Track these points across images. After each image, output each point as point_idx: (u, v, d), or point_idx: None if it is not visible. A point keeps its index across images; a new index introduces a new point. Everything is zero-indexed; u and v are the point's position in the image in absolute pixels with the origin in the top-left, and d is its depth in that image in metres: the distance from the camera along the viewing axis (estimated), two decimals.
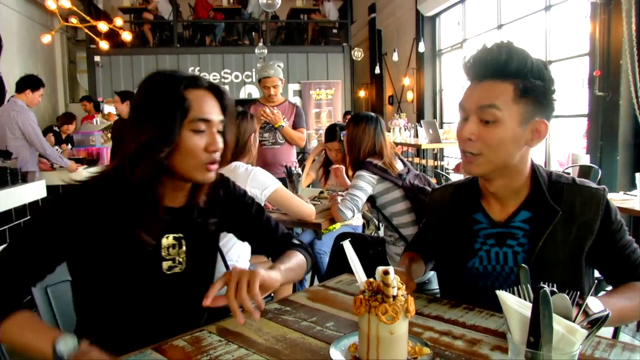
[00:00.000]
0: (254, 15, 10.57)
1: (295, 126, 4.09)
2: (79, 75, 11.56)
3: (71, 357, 0.94)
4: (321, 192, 3.19)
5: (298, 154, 4.93)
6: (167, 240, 1.19)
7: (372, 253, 2.64)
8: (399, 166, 2.59)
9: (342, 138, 3.07)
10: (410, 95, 10.28)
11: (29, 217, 1.07)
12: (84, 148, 6.25)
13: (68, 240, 1.09)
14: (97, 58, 9.51)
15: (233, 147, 1.25)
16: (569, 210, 1.17)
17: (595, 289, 1.12)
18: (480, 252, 1.26)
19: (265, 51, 7.41)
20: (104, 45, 7.39)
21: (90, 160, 5.99)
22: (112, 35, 7.66)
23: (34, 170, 4.25)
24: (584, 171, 4.65)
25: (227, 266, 1.98)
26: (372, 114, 2.70)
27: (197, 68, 9.91)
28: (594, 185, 1.22)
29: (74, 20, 6.97)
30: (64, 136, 6.58)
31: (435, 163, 7.08)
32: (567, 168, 5.14)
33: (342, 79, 10.28)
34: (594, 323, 0.72)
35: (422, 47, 8.97)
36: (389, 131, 8.01)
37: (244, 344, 1.02)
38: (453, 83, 9.15)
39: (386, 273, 0.86)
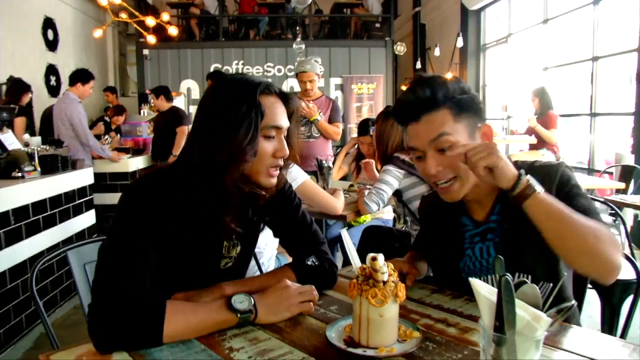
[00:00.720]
0: (297, 10, 10.68)
1: (331, 120, 4.17)
2: (129, 68, 12.01)
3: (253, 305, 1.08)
4: (351, 186, 3.26)
5: (336, 147, 5.00)
6: (229, 241, 1.28)
7: (398, 246, 2.70)
8: None
9: (371, 133, 3.13)
10: None
11: (118, 220, 1.09)
12: (131, 138, 6.55)
13: (160, 235, 1.11)
14: (145, 51, 9.84)
15: (295, 157, 1.29)
16: None
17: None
18: (467, 252, 1.34)
19: (303, 46, 7.49)
20: (151, 39, 7.67)
21: (137, 149, 6.28)
22: (160, 30, 7.94)
23: (83, 158, 4.50)
24: (626, 171, 4.52)
25: (254, 253, 2.10)
26: None
27: (241, 62, 10.12)
28: (552, 163, 1.28)
29: (123, 16, 7.29)
30: (113, 127, 6.89)
31: None
32: (609, 167, 5.01)
33: (383, 73, 10.26)
34: (560, 312, 0.77)
35: (460, 42, 8.84)
36: None
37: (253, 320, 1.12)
38: (497, 78, 8.99)
39: (374, 259, 0.94)
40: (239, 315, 1.07)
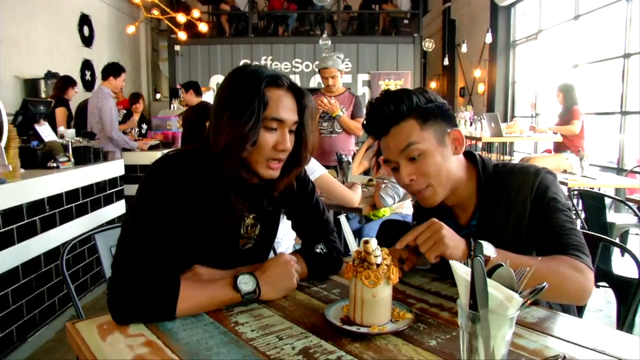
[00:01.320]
0: (326, 6, 10.75)
1: (354, 116, 4.23)
2: (160, 64, 12.30)
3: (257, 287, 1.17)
4: (370, 180, 3.33)
5: (358, 143, 5.06)
6: (248, 220, 1.34)
7: None
8: None
9: None
10: (481, 88, 10.07)
11: (139, 197, 1.19)
12: (161, 132, 6.74)
13: (179, 212, 1.18)
14: (177, 47, 10.09)
15: (308, 156, 1.31)
16: (507, 196, 1.29)
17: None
18: None
19: (329, 42, 7.57)
20: (182, 35, 7.86)
21: (166, 143, 6.47)
22: (191, 26, 8.13)
23: (114, 150, 4.68)
24: None
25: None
26: None
27: (270, 57, 10.27)
28: (530, 169, 1.31)
29: (155, 12, 7.49)
30: (136, 116, 7.01)
31: (502, 158, 6.96)
32: (638, 166, 4.93)
33: (412, 69, 10.25)
34: (533, 293, 0.83)
35: (489, 38, 8.76)
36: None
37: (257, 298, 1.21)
38: (526, 75, 8.87)
39: (366, 242, 1.01)
40: (243, 295, 1.16)
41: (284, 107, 1.20)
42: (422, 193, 1.29)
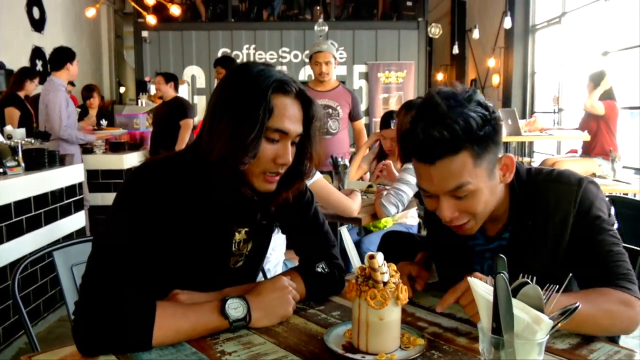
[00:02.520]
0: None
1: (353, 118, 4.24)
2: (125, 52, 12.28)
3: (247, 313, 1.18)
4: (369, 187, 3.34)
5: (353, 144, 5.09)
6: (240, 235, 1.35)
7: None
8: None
9: (392, 126, 3.21)
10: (496, 79, 10.15)
11: (115, 209, 1.20)
12: (127, 131, 6.70)
13: (160, 228, 1.19)
14: (144, 33, 10.05)
15: (319, 162, 1.33)
16: (544, 214, 1.28)
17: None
18: (476, 267, 1.41)
19: (326, 28, 7.59)
20: (151, 19, 7.86)
21: (133, 144, 6.44)
22: (161, 9, 8.12)
23: (73, 153, 4.64)
24: None
25: None
26: None
27: (253, 46, 10.26)
28: (571, 178, 1.30)
29: None
30: (92, 112, 6.85)
31: (520, 159, 7.00)
32: None
33: (415, 59, 10.29)
34: (564, 315, 0.84)
35: (507, 23, 8.82)
36: None
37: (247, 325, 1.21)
38: (548, 65, 8.95)
39: (372, 257, 1.02)
40: (231, 322, 1.16)
41: (290, 118, 1.21)
42: (462, 227, 1.26)
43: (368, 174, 3.86)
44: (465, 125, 1.12)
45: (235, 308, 1.17)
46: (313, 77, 4.25)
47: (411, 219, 3.54)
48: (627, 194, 4.02)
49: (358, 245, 3.50)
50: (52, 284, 3.64)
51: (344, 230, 1.17)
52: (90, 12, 7.44)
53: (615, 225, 1.30)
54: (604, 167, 4.90)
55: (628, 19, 6.72)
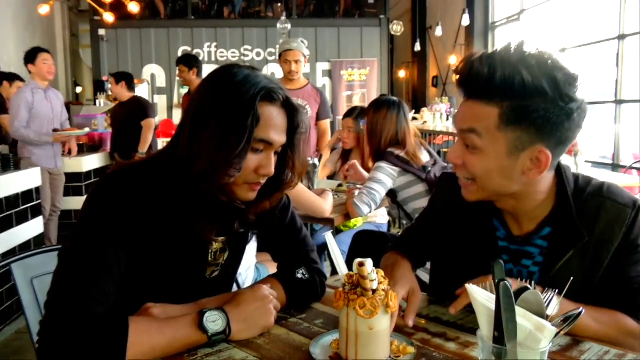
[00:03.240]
0: None
1: (320, 116, 4.20)
2: (82, 51, 11.95)
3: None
4: (339, 185, 3.30)
5: None
6: (217, 244, 1.31)
7: (386, 249, 2.75)
8: (424, 157, 2.69)
9: (361, 127, 3.17)
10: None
11: (83, 220, 1.12)
12: (85, 133, 6.51)
13: (132, 240, 1.14)
14: (101, 31, 9.83)
15: (302, 172, 1.30)
16: (589, 229, 1.18)
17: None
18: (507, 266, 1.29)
19: (289, 26, 7.54)
20: (108, 17, 7.65)
21: (92, 146, 6.26)
22: (119, 6, 7.92)
23: (28, 157, 4.47)
24: None
25: None
26: (395, 98, 2.81)
27: (214, 44, 10.14)
28: (623, 198, 1.21)
29: None
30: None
31: None
32: (637, 162, 5.11)
33: (378, 57, 10.32)
34: (567, 321, 0.81)
35: (466, 20, 8.93)
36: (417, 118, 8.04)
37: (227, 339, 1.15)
38: None
39: (362, 265, 0.97)
40: (210, 336, 1.09)
41: (275, 128, 1.17)
42: (466, 185, 1.19)
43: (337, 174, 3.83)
44: (508, 78, 1.04)
45: (213, 321, 1.10)
46: (276, 76, 4.20)
47: (381, 218, 3.52)
48: None
49: (327, 246, 3.46)
50: (9, 295, 3.49)
51: (329, 236, 1.12)
52: (44, 9, 7.18)
53: None
54: (567, 161, 4.99)
55: (586, 16, 6.87)
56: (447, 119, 7.67)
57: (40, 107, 4.63)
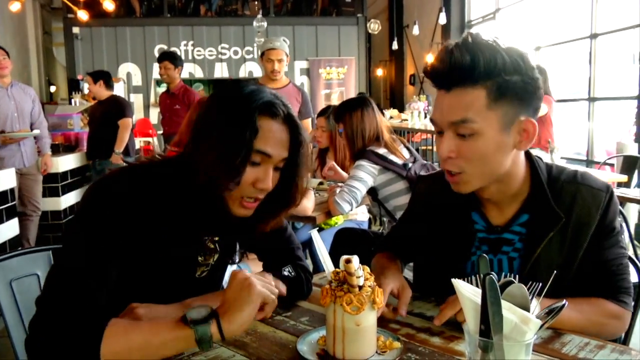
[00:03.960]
0: None
1: (302, 116, 4.20)
2: (55, 49, 11.77)
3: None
4: (320, 183, 3.31)
5: None
6: (210, 244, 1.30)
7: (374, 250, 2.76)
8: (405, 154, 2.71)
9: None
10: None
11: (78, 223, 1.12)
12: (61, 132, 6.41)
13: (127, 243, 1.12)
14: (75, 30, 9.69)
15: (295, 201, 1.27)
16: (566, 213, 1.23)
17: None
18: (473, 257, 1.33)
19: (265, 24, 7.51)
20: (82, 15, 7.55)
21: (68, 146, 6.16)
22: (93, 4, 7.82)
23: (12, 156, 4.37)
24: (629, 162, 4.70)
25: None
26: (361, 96, 2.86)
27: (191, 42, 10.07)
28: (597, 183, 1.27)
29: None
30: None
31: None
32: (610, 158, 5.20)
33: (356, 55, 10.37)
34: (550, 314, 0.83)
35: (443, 19, 9.01)
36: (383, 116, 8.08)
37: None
38: None
39: (348, 261, 0.98)
40: (193, 326, 0.98)
41: (274, 141, 1.16)
42: (454, 178, 1.20)
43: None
44: (490, 59, 1.10)
45: (197, 312, 1.01)
46: (254, 74, 4.20)
47: (361, 215, 3.54)
48: None
49: (310, 243, 3.47)
50: None
51: (314, 233, 1.13)
52: (15, 6, 7.05)
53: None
54: (543, 157, 5.06)
55: (559, 15, 6.98)
56: (425, 117, 7.72)
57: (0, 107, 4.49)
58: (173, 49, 9.74)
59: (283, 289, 1.21)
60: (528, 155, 1.28)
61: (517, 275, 0.95)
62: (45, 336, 1.01)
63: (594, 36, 6.06)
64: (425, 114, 7.79)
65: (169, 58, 5.22)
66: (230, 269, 2.31)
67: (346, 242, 2.67)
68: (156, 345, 1.00)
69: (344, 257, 1.00)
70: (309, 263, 3.37)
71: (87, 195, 1.15)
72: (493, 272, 0.77)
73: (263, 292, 1.06)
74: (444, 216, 1.36)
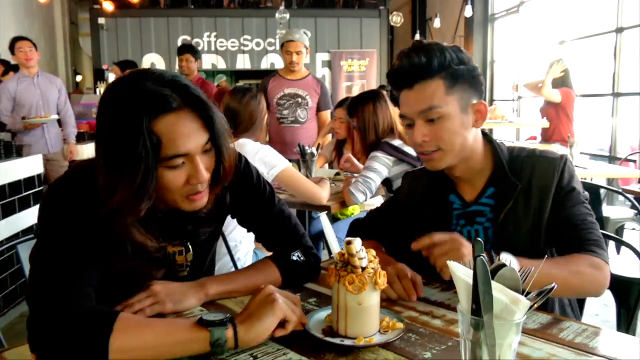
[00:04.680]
0: None
1: (320, 107, 4.26)
2: (81, 39, 11.95)
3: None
4: (337, 174, 3.36)
5: None
6: (173, 248, 1.31)
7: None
8: None
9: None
10: None
11: (45, 225, 1.12)
12: (86, 121, 6.56)
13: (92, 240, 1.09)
14: (101, 20, 9.82)
15: (233, 167, 1.20)
16: (528, 182, 1.40)
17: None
18: (453, 228, 1.49)
19: (287, 16, 7.55)
20: (108, 6, 7.67)
21: (93, 134, 6.29)
22: None
23: (29, 144, 4.53)
24: None
25: (228, 248, 2.19)
26: (373, 89, 2.89)
27: (214, 33, 10.15)
28: (552, 154, 1.45)
29: None
30: None
31: None
32: (633, 154, 5.16)
33: (377, 48, 10.35)
34: (540, 295, 0.87)
35: (468, 11, 8.95)
36: None
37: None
38: (507, 54, 9.12)
39: (349, 243, 1.04)
40: (210, 328, 0.98)
41: (184, 137, 1.06)
42: (431, 155, 1.39)
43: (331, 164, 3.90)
44: (441, 57, 1.32)
45: (215, 316, 1.01)
46: (275, 66, 4.26)
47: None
48: (585, 179, 4.15)
49: (324, 234, 3.53)
50: (13, 278, 3.55)
51: (323, 217, 1.19)
52: None
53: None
54: (562, 152, 5.04)
55: (584, 9, 6.90)
56: None
57: (25, 96, 4.73)
58: (196, 40, 9.85)
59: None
60: (489, 139, 1.46)
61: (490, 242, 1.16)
62: (51, 335, 0.97)
63: (619, 30, 5.99)
64: None
65: (190, 51, 5.32)
66: (248, 235, 2.36)
67: (360, 232, 2.72)
68: (169, 344, 0.99)
69: (346, 238, 1.05)
70: (325, 254, 3.45)
71: (47, 204, 1.14)
72: (483, 254, 0.81)
73: (285, 309, 1.05)
74: (426, 201, 1.53)
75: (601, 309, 3.58)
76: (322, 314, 1.17)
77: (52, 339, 0.97)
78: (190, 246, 1.33)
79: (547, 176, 1.39)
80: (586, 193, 1.43)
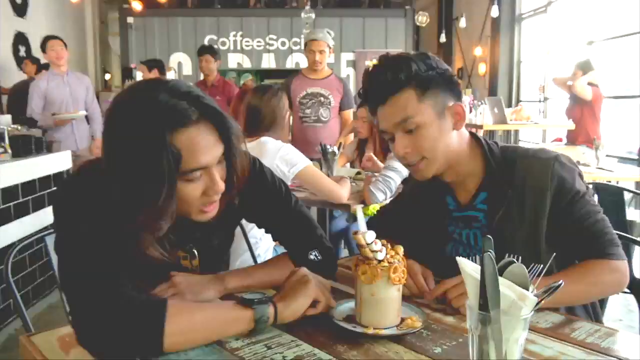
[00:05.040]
0: None
1: (343, 107, 4.28)
2: (110, 39, 12.15)
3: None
4: (358, 173, 3.38)
5: None
6: (179, 253, 1.32)
7: None
8: None
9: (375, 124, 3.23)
10: (482, 68, 10.21)
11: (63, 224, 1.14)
12: None
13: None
14: (130, 20, 9.97)
15: (246, 175, 1.23)
16: (521, 185, 1.37)
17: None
18: (454, 235, 1.50)
19: (313, 15, 7.59)
20: (136, 5, 7.80)
21: None
22: None
23: (58, 141, 4.64)
24: None
25: (249, 244, 2.23)
26: None
27: (240, 33, 10.23)
28: (546, 153, 1.41)
29: None
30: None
31: None
32: None
33: (403, 48, 10.29)
34: (547, 292, 0.89)
35: (495, 12, 8.87)
36: None
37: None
38: (534, 54, 9.02)
39: (355, 233, 1.10)
40: (254, 305, 1.07)
41: (203, 149, 1.07)
42: (417, 166, 1.38)
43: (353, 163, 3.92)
44: (407, 69, 1.31)
45: (252, 294, 1.12)
46: (300, 65, 4.29)
47: None
48: (610, 182, 4.10)
49: (346, 232, 3.56)
50: (41, 270, 3.65)
51: (359, 209, 1.23)
52: None
53: (596, 197, 1.38)
54: (588, 155, 4.98)
55: (613, 9, 6.80)
56: (470, 111, 7.63)
57: (55, 93, 4.90)
58: (222, 39, 9.94)
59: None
60: (478, 139, 1.44)
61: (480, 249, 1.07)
62: (106, 329, 0.99)
63: None
64: (471, 108, 7.71)
65: (210, 51, 5.40)
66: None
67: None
68: (217, 324, 1.06)
69: (354, 230, 1.09)
70: (344, 252, 3.48)
71: (61, 202, 1.16)
72: (491, 250, 0.83)
73: (317, 291, 1.17)
74: (423, 203, 1.53)
75: (625, 314, 3.54)
76: (351, 304, 1.19)
77: (108, 332, 0.99)
78: (196, 252, 1.34)
79: (540, 177, 1.35)
80: (589, 186, 1.40)
